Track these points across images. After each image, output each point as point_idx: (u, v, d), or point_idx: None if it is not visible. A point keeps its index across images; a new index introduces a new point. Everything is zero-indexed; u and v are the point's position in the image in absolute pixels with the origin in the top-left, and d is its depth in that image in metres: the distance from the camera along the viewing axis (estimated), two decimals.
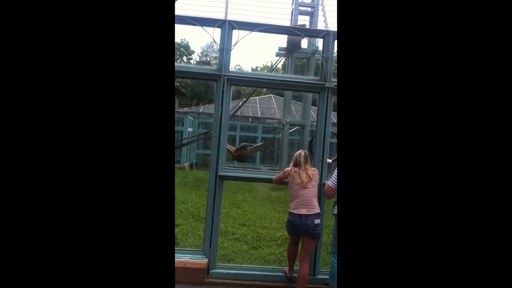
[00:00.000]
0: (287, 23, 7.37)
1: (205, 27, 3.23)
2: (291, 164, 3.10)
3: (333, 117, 3.62)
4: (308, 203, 2.89)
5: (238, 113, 12.37)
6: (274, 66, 12.15)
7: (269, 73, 7.06)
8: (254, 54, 38.36)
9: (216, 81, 3.25)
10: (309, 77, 4.40)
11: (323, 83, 3.29)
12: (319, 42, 3.61)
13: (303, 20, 7.60)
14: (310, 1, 8.04)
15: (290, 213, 2.94)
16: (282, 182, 3.16)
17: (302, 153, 3.06)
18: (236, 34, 3.26)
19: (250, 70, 26.04)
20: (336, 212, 2.97)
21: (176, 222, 4.87)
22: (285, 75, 5.85)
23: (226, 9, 3.66)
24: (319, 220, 2.89)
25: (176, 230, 4.56)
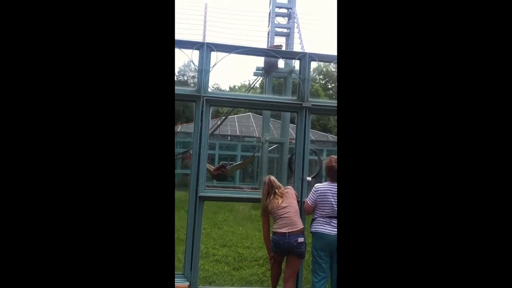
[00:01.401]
0: (263, 44, 7.54)
1: (183, 49, 3.27)
2: (261, 195, 3.13)
3: (312, 135, 3.70)
4: (290, 221, 2.90)
5: (216, 132, 12.37)
6: (252, 86, 12.32)
7: (248, 94, 7.16)
8: (231, 74, 38.81)
9: (195, 102, 3.27)
10: (287, 97, 4.50)
11: (301, 102, 3.38)
12: (296, 63, 3.72)
13: (280, 42, 7.81)
14: (285, 23, 8.31)
15: (274, 233, 2.95)
16: (268, 216, 3.12)
17: (266, 181, 3.13)
18: (214, 55, 3.32)
19: (228, 89, 26.20)
20: (312, 229, 2.99)
21: None
22: (264, 95, 5.95)
23: (204, 31, 3.73)
24: (302, 238, 2.89)
25: None
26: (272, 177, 3.18)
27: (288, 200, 3.00)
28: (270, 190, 3.06)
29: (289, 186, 3.19)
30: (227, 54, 3.35)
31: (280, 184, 3.14)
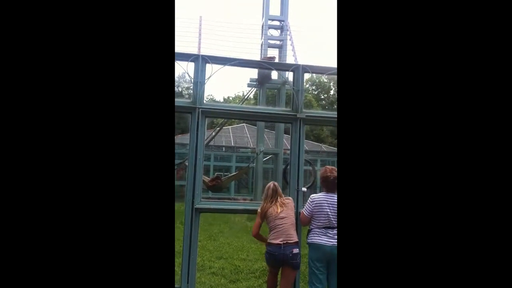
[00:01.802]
0: (257, 56, 7.62)
1: (179, 62, 3.30)
2: (262, 198, 3.15)
3: (305, 145, 3.73)
4: (286, 233, 2.91)
5: (211, 143, 12.36)
6: (246, 97, 12.39)
7: (243, 105, 7.21)
8: (225, 85, 39.07)
9: (190, 113, 3.28)
10: (282, 108, 4.54)
11: (295, 113, 3.41)
12: (289, 74, 3.77)
13: (273, 53, 7.91)
14: (278, 35, 8.44)
15: (269, 244, 2.95)
16: (261, 223, 3.11)
17: (271, 185, 3.15)
18: (209, 67, 3.35)
19: (222, 101, 26.29)
20: (309, 240, 2.99)
21: None
22: (258, 106, 5.99)
23: (199, 44, 3.78)
24: (297, 249, 2.90)
25: None
26: (277, 183, 3.20)
27: (287, 211, 3.00)
28: (274, 195, 3.07)
29: (290, 197, 3.20)
30: (222, 66, 3.39)
31: (282, 193, 3.16)
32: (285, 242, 2.86)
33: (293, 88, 3.50)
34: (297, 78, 3.49)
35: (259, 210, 3.11)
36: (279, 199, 3.06)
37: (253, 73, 8.12)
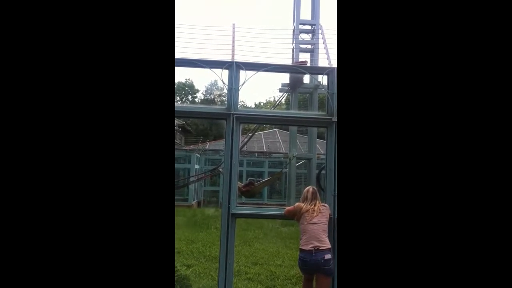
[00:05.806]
0: (288, 61, 7.58)
1: (213, 69, 3.36)
2: (300, 200, 3.20)
3: None
4: (317, 238, 2.88)
5: (244, 149, 12.45)
6: (277, 102, 12.39)
7: (277, 110, 7.21)
8: (256, 90, 39.38)
9: (225, 120, 3.33)
10: (317, 113, 4.48)
11: (330, 117, 3.36)
12: (322, 78, 3.72)
13: (304, 58, 7.84)
14: (310, 39, 8.36)
15: (301, 250, 2.94)
16: (292, 217, 3.16)
17: (310, 189, 3.19)
18: (242, 74, 3.39)
19: (253, 106, 26.47)
20: None
21: (188, 262, 4.77)
22: (292, 111, 5.95)
23: (233, 51, 3.82)
24: (329, 255, 2.86)
25: (189, 271, 4.46)
26: (316, 188, 3.24)
27: (320, 218, 2.99)
28: (313, 198, 3.10)
29: (326, 205, 3.17)
30: (255, 72, 3.41)
31: (319, 199, 3.15)
32: (316, 248, 2.84)
33: (328, 92, 3.44)
34: (332, 81, 3.44)
35: (297, 204, 3.17)
36: (317, 204, 3.05)
37: (284, 78, 8.09)
